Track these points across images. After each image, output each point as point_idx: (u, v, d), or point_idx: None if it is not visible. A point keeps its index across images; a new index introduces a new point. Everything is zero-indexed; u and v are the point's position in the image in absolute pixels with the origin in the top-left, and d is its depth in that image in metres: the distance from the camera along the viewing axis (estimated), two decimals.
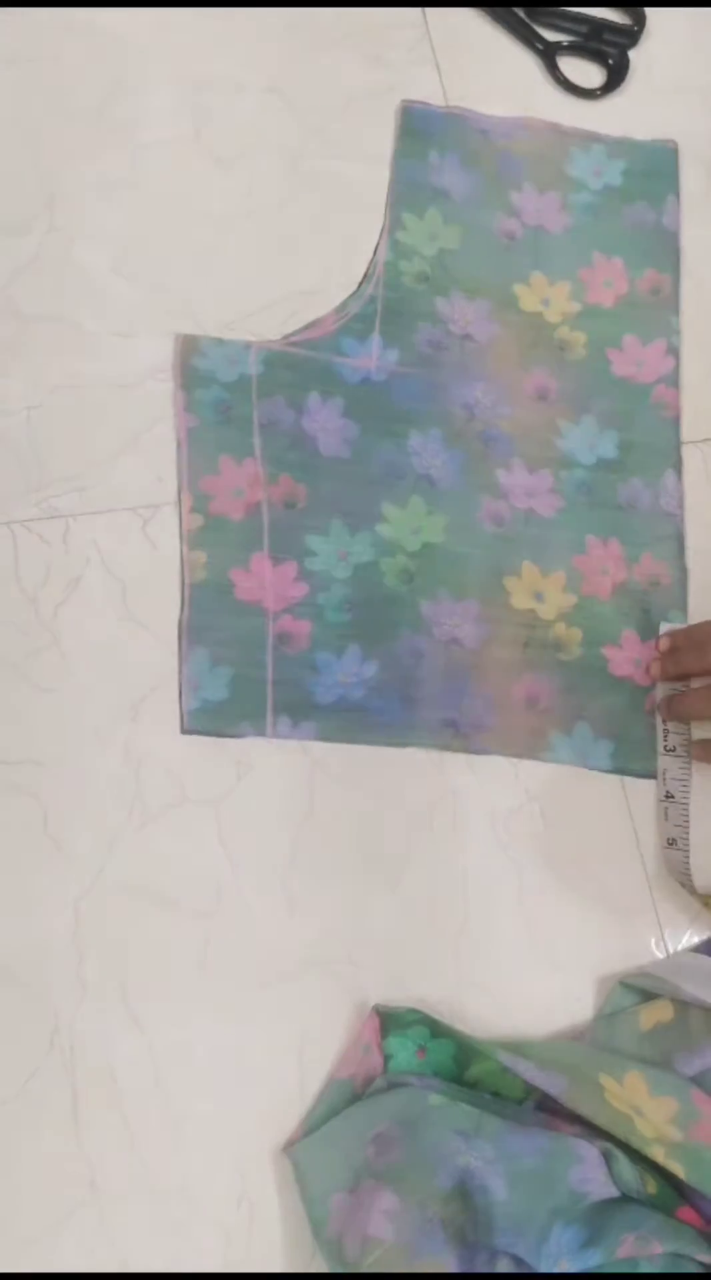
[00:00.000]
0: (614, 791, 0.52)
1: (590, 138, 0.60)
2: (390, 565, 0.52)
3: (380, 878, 0.49)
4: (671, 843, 0.50)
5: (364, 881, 0.49)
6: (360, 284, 0.56)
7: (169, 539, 0.50)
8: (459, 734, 0.51)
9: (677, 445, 0.57)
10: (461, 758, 0.51)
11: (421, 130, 0.58)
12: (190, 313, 0.53)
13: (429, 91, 0.59)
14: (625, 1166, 0.42)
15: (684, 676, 0.51)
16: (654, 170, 0.61)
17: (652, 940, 0.50)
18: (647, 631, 0.54)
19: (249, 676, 0.49)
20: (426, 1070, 0.45)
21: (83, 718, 0.48)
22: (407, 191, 0.57)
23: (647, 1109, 0.43)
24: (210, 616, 0.50)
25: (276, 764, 0.49)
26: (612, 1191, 0.41)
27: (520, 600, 0.53)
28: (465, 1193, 0.41)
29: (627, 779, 0.52)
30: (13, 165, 0.54)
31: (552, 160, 0.60)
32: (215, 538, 0.51)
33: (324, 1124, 0.44)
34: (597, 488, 0.55)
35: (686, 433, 0.57)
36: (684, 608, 0.55)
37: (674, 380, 0.58)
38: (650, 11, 0.63)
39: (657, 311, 0.59)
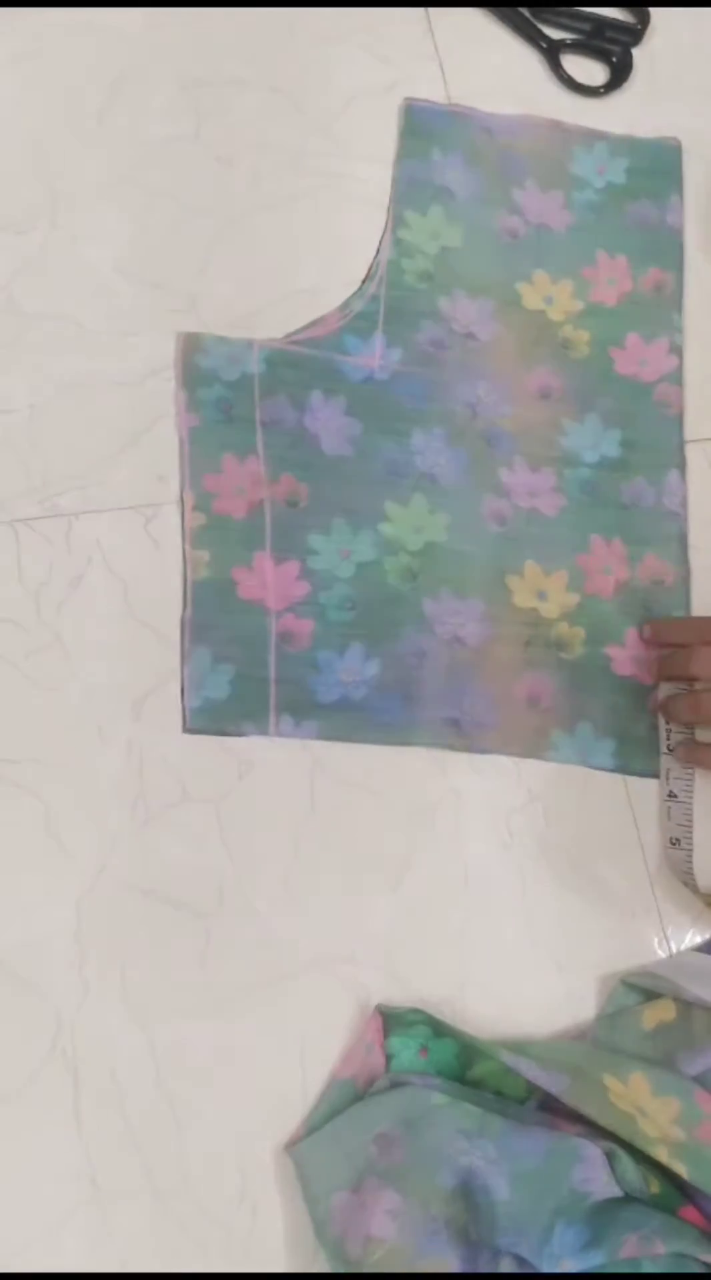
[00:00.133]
0: (616, 791, 0.52)
1: (593, 136, 0.60)
2: (392, 564, 0.52)
3: (382, 877, 0.49)
4: (674, 842, 0.50)
5: (366, 881, 0.49)
6: (363, 282, 0.55)
7: (171, 538, 0.50)
8: (461, 733, 0.51)
9: (681, 444, 0.57)
10: (463, 757, 0.51)
11: (424, 128, 0.58)
12: (192, 311, 0.53)
13: (432, 89, 0.59)
14: (628, 1166, 0.42)
15: (683, 678, 0.51)
16: (657, 168, 0.61)
17: (655, 940, 0.50)
18: None
19: (251, 675, 0.49)
20: (429, 1070, 0.45)
21: (84, 716, 0.48)
22: (410, 190, 0.57)
23: (650, 1109, 0.42)
24: (212, 615, 0.50)
25: (278, 763, 0.49)
26: (615, 1191, 0.41)
27: (523, 599, 0.53)
28: (468, 1192, 0.41)
29: (630, 778, 0.52)
30: (14, 163, 0.54)
31: (556, 158, 0.59)
32: (217, 536, 0.50)
33: (326, 1123, 0.44)
34: (601, 486, 0.55)
35: (689, 431, 0.57)
36: (687, 607, 0.55)
37: (677, 379, 0.58)
38: (654, 9, 0.63)
39: (661, 310, 0.59)
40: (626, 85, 0.62)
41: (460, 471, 0.54)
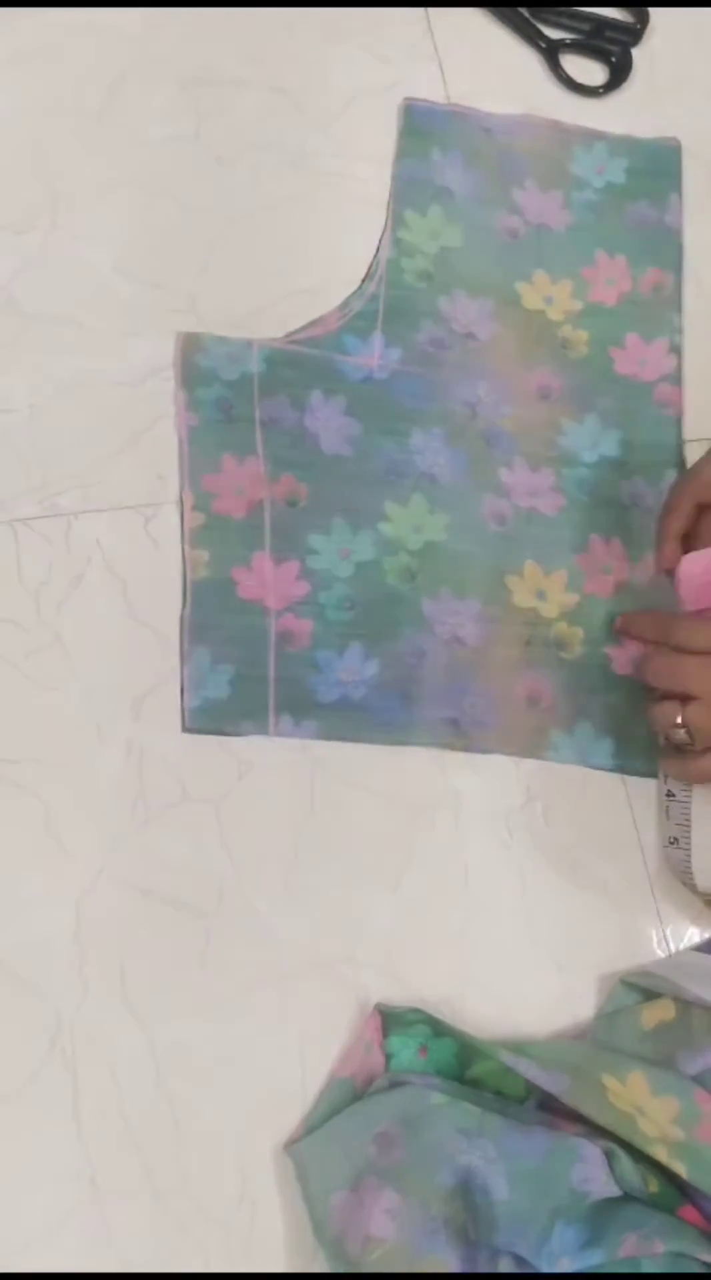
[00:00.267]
0: (615, 790, 0.52)
1: (593, 135, 0.60)
2: (392, 564, 0.52)
3: (381, 876, 0.49)
4: (673, 841, 0.50)
5: (365, 880, 0.49)
6: (362, 282, 0.55)
7: (171, 537, 0.50)
8: (460, 733, 0.51)
9: (680, 444, 0.57)
10: (463, 756, 0.51)
11: (424, 128, 0.58)
12: (192, 311, 0.53)
13: (431, 89, 0.59)
14: (627, 1166, 0.42)
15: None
16: (656, 168, 0.61)
17: (654, 939, 0.50)
18: None
19: (250, 675, 0.49)
20: (428, 1069, 0.45)
21: (84, 716, 0.48)
22: (410, 189, 0.57)
23: (650, 1108, 0.43)
24: (212, 615, 0.50)
25: (278, 763, 0.49)
26: (614, 1191, 0.41)
27: (522, 599, 0.53)
28: (467, 1192, 0.41)
29: (629, 778, 0.52)
30: (15, 163, 0.54)
31: (555, 158, 0.59)
32: (217, 536, 0.51)
33: (325, 1123, 0.44)
34: (600, 486, 0.55)
35: (688, 431, 0.57)
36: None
37: (676, 379, 0.58)
38: (653, 9, 0.63)
39: (660, 310, 0.59)
40: (625, 85, 0.62)
41: (460, 471, 0.54)
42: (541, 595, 0.53)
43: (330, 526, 0.52)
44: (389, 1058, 0.45)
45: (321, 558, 0.51)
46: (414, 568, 0.52)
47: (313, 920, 0.48)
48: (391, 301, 0.55)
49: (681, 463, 0.56)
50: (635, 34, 0.62)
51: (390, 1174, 0.41)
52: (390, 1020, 0.46)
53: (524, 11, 0.61)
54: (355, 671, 0.50)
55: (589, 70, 0.62)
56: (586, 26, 0.62)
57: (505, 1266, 0.39)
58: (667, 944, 0.50)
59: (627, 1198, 0.42)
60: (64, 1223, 0.43)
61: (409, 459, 0.54)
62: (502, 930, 0.49)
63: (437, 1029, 0.46)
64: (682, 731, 0.45)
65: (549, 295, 0.57)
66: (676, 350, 0.58)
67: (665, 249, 0.60)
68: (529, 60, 0.61)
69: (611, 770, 0.52)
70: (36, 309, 0.52)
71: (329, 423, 0.53)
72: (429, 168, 0.58)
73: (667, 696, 0.46)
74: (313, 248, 0.55)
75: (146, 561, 0.50)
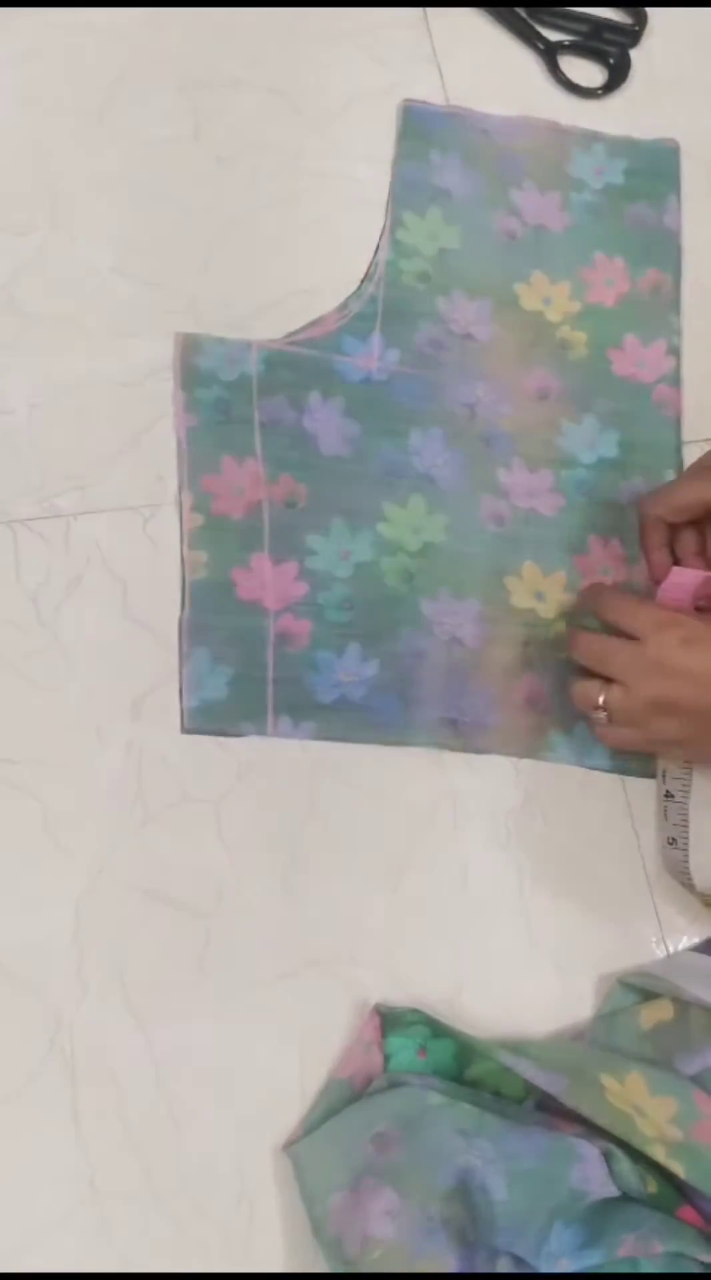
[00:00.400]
0: (614, 791, 0.52)
1: (591, 137, 0.60)
2: (391, 564, 0.52)
3: (380, 877, 0.49)
4: (671, 842, 0.50)
5: (364, 881, 0.49)
6: (361, 283, 0.56)
7: (169, 538, 0.50)
8: (459, 733, 0.51)
9: (678, 445, 0.57)
10: (462, 757, 0.51)
11: (422, 130, 0.58)
12: (191, 312, 0.53)
13: (430, 91, 0.59)
14: (625, 1166, 0.42)
15: None
16: (655, 169, 0.61)
17: (652, 939, 0.50)
18: None
19: (249, 676, 0.49)
20: (427, 1070, 0.45)
21: (83, 717, 0.48)
22: (408, 191, 0.57)
23: (648, 1108, 0.43)
24: (211, 616, 0.50)
25: (277, 763, 0.49)
26: (613, 1191, 0.41)
27: (521, 599, 0.53)
28: (465, 1192, 0.41)
29: (628, 778, 0.52)
30: (14, 164, 0.54)
31: (553, 159, 0.60)
32: (216, 537, 0.51)
33: (324, 1123, 0.44)
34: (598, 487, 0.55)
35: (687, 432, 0.57)
36: None
37: (675, 380, 0.58)
38: (651, 11, 0.63)
39: (658, 311, 0.59)
40: (624, 86, 0.62)
41: (458, 472, 0.54)
42: (540, 596, 0.53)
43: (329, 527, 0.52)
44: (387, 1058, 0.45)
45: (320, 558, 0.51)
46: (412, 568, 0.52)
47: (311, 920, 0.48)
48: (390, 302, 0.55)
49: (679, 464, 0.56)
50: (633, 35, 0.62)
51: (389, 1174, 0.41)
52: (389, 1021, 0.46)
53: (522, 13, 0.61)
54: (354, 672, 0.50)
55: (587, 72, 0.62)
56: (584, 28, 0.62)
57: (504, 1267, 0.39)
58: (666, 944, 0.50)
59: (626, 1198, 0.42)
60: (63, 1223, 0.43)
61: (407, 460, 0.54)
62: (501, 931, 0.49)
63: (436, 1029, 0.46)
64: (603, 714, 0.46)
65: (547, 296, 0.57)
66: (675, 351, 0.58)
67: (663, 250, 0.60)
68: (527, 62, 0.61)
69: (609, 771, 0.52)
70: (36, 309, 0.52)
71: (328, 424, 0.53)
72: (427, 169, 0.58)
73: (590, 674, 0.46)
74: (311, 249, 0.56)
75: (145, 562, 0.50)
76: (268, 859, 0.48)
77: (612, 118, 0.61)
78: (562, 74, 0.61)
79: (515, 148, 0.59)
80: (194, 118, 0.56)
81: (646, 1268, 0.39)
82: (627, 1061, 0.44)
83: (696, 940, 0.51)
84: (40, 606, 0.49)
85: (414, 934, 0.48)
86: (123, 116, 0.55)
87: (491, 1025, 0.48)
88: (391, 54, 0.59)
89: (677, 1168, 0.41)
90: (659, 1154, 0.42)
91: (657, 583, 0.49)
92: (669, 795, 0.50)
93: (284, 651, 0.50)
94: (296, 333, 0.54)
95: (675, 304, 0.59)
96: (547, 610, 0.53)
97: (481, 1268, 0.39)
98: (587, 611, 0.50)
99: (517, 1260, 0.40)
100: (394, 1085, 0.44)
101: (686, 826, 0.49)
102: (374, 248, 0.56)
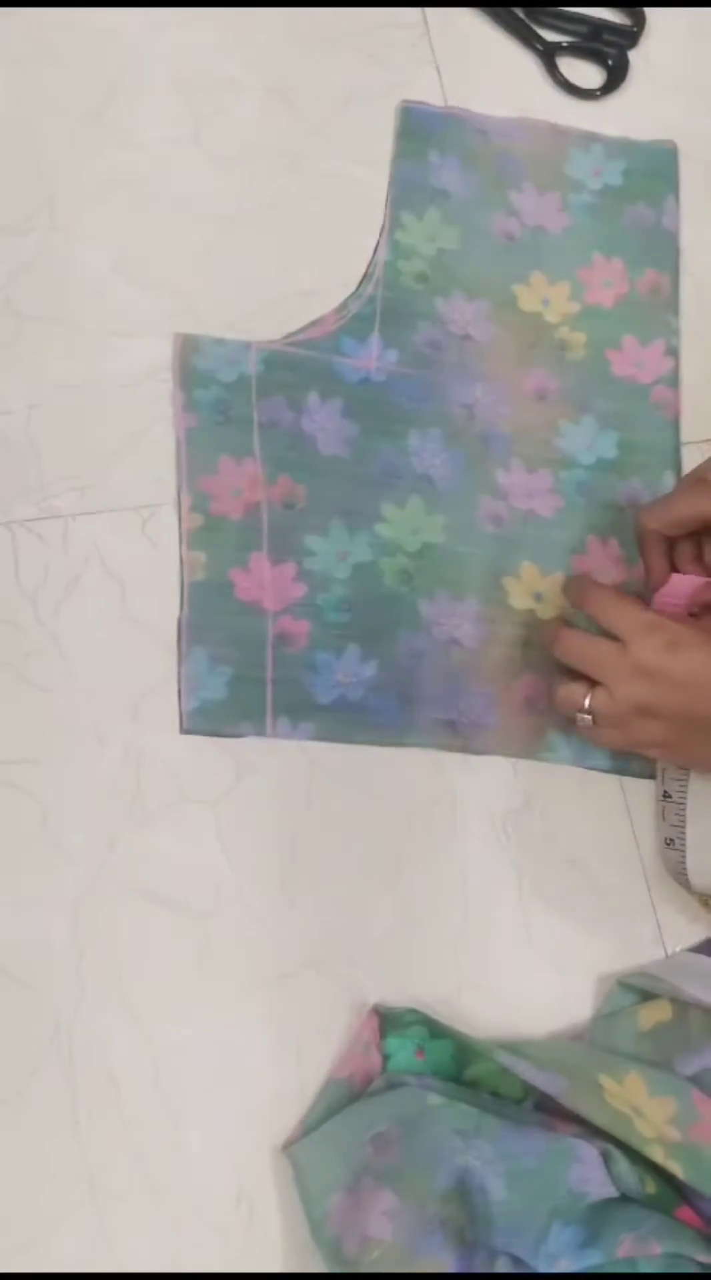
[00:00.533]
0: (613, 791, 0.52)
1: (589, 138, 0.60)
2: (389, 565, 0.52)
3: (379, 878, 0.49)
4: (669, 843, 0.50)
5: (363, 881, 0.49)
6: (360, 284, 0.56)
7: (168, 539, 0.50)
8: (458, 734, 0.51)
9: (677, 446, 0.57)
10: (460, 758, 0.51)
11: (421, 130, 0.58)
12: (190, 312, 0.53)
13: (428, 92, 0.59)
14: (624, 1167, 0.42)
15: None
16: (653, 170, 0.61)
17: (651, 940, 0.50)
18: None
19: (248, 676, 0.49)
20: (425, 1070, 0.45)
21: (82, 717, 0.48)
22: (407, 191, 0.57)
23: (647, 1109, 0.43)
24: (209, 616, 0.50)
25: (276, 764, 0.49)
26: (611, 1191, 0.42)
27: (519, 600, 0.53)
28: (464, 1192, 0.41)
29: (626, 779, 0.52)
30: (12, 165, 0.54)
31: (552, 160, 0.60)
32: (214, 537, 0.51)
33: (323, 1123, 0.44)
34: (597, 488, 0.55)
35: (685, 433, 0.57)
36: None
37: (673, 381, 0.58)
38: (650, 12, 0.63)
39: (657, 312, 0.59)
40: (622, 87, 0.62)
41: (457, 473, 0.54)
42: (538, 597, 0.53)
43: (327, 528, 0.52)
44: (386, 1058, 0.45)
45: (319, 559, 0.51)
46: (411, 569, 0.52)
47: (310, 921, 0.48)
48: (388, 303, 0.55)
49: (678, 464, 0.57)
50: (632, 36, 0.62)
51: (388, 1175, 0.41)
52: (387, 1021, 0.46)
53: (521, 14, 0.61)
54: (353, 673, 0.50)
55: (586, 73, 0.62)
56: (583, 29, 0.62)
57: (502, 1267, 0.39)
58: (664, 945, 0.50)
59: (625, 1199, 0.42)
60: (62, 1223, 0.43)
61: (406, 461, 0.54)
62: (500, 931, 0.49)
63: (435, 1030, 0.46)
64: (588, 718, 0.46)
65: (546, 297, 0.57)
66: (673, 352, 0.58)
67: (662, 251, 0.60)
68: (526, 63, 0.61)
69: (608, 771, 0.52)
70: (34, 310, 0.52)
71: (326, 424, 0.53)
72: (426, 170, 0.58)
73: (575, 675, 0.46)
74: (310, 250, 0.56)
75: (144, 563, 0.50)
76: (266, 859, 0.48)
77: (611, 119, 0.61)
78: (561, 75, 0.61)
79: (513, 149, 0.59)
80: (192, 118, 0.56)
81: (645, 1268, 0.39)
82: (626, 1062, 0.44)
83: (695, 941, 0.51)
84: (39, 607, 0.49)
85: (412, 934, 0.48)
86: (121, 116, 0.55)
87: (490, 1025, 0.48)
88: (390, 54, 0.59)
89: (676, 1168, 0.41)
90: (657, 1155, 0.42)
91: (656, 590, 0.49)
92: (666, 796, 0.50)
93: (282, 652, 0.50)
94: (295, 333, 0.54)
95: (673, 305, 0.59)
96: (546, 611, 0.53)
97: (480, 1268, 0.39)
98: (575, 605, 0.50)
99: (516, 1260, 0.40)
100: (393, 1086, 0.44)
101: (684, 827, 0.49)
102: (372, 248, 0.56)
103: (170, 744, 0.48)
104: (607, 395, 0.57)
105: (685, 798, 0.49)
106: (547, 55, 0.61)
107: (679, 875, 0.49)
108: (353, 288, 0.55)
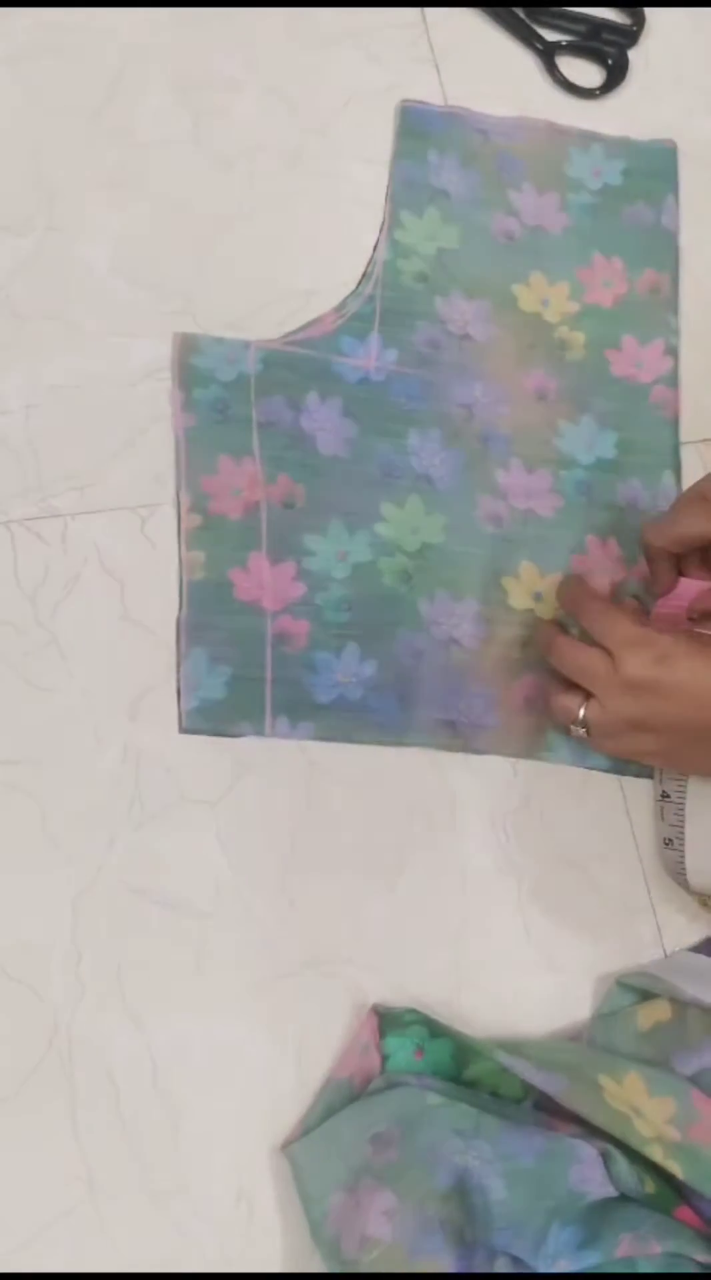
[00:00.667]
0: (612, 792, 0.52)
1: (589, 137, 0.60)
2: (388, 565, 0.52)
3: (378, 877, 0.49)
4: (668, 843, 0.50)
5: (362, 881, 0.49)
6: (359, 283, 0.55)
7: (167, 538, 0.50)
8: (457, 734, 0.51)
9: (676, 445, 0.57)
10: (460, 758, 0.51)
11: (420, 130, 0.58)
12: (189, 311, 0.53)
13: (428, 91, 0.59)
14: (623, 1166, 0.42)
15: None
16: (653, 170, 0.61)
17: (651, 940, 0.50)
18: None
19: (247, 676, 0.49)
20: (425, 1070, 0.45)
21: (81, 717, 0.48)
22: (406, 191, 0.57)
23: (646, 1109, 0.43)
24: (209, 616, 0.50)
25: (275, 764, 0.49)
26: (611, 1191, 0.42)
27: (519, 600, 0.53)
28: (463, 1192, 0.41)
29: (626, 779, 0.52)
30: (12, 164, 0.54)
31: (551, 160, 0.60)
32: (214, 537, 0.51)
33: (322, 1123, 0.44)
34: (596, 488, 0.55)
35: (685, 433, 0.57)
36: None
37: (672, 380, 0.58)
38: (649, 11, 0.63)
39: (656, 312, 0.59)
40: (622, 87, 0.62)
41: (456, 472, 0.54)
42: (538, 597, 0.53)
43: (327, 528, 0.52)
44: (385, 1058, 0.45)
45: (318, 559, 0.51)
46: (410, 569, 0.52)
47: (309, 921, 0.48)
48: (388, 303, 0.55)
49: (677, 465, 0.56)
50: (631, 36, 0.62)
51: (387, 1174, 0.42)
52: (387, 1021, 0.46)
53: (520, 13, 0.61)
54: (352, 672, 0.50)
55: (585, 72, 0.62)
56: (583, 28, 0.62)
57: (502, 1267, 0.39)
58: (664, 945, 0.50)
59: (624, 1198, 0.42)
60: (61, 1223, 0.43)
61: (405, 460, 0.54)
62: (499, 931, 0.49)
63: (434, 1030, 0.46)
64: (582, 730, 0.46)
65: (545, 297, 0.57)
66: (672, 352, 0.58)
67: (661, 251, 0.60)
68: (525, 62, 0.61)
69: (608, 771, 0.52)
70: (33, 310, 0.52)
71: (325, 424, 0.53)
72: (425, 169, 0.58)
73: (570, 683, 0.47)
74: (309, 249, 0.56)
75: (143, 562, 0.50)
76: (265, 859, 0.48)
77: (610, 118, 0.61)
78: (560, 74, 0.61)
79: (513, 148, 0.59)
80: (191, 118, 0.56)
81: (644, 1268, 0.39)
82: (626, 1062, 0.44)
83: (694, 940, 0.51)
84: (38, 606, 0.49)
85: (412, 934, 0.48)
86: (120, 116, 0.55)
87: (489, 1025, 0.48)
88: (389, 54, 0.59)
89: (675, 1168, 0.41)
90: (656, 1154, 0.42)
91: (663, 595, 0.49)
92: (665, 796, 0.50)
93: (282, 652, 0.50)
94: (294, 333, 0.54)
95: (673, 304, 0.59)
96: (546, 611, 0.53)
97: (479, 1268, 0.39)
98: (567, 612, 0.50)
99: (515, 1260, 0.40)
100: (392, 1085, 0.44)
101: (682, 827, 0.49)
102: (372, 248, 0.56)
103: (169, 744, 0.48)
104: (607, 395, 0.57)
105: (683, 798, 0.49)
106: (547, 54, 0.61)
107: (677, 875, 0.49)
108: (352, 287, 0.55)
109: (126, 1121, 0.44)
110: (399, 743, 0.50)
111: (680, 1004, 0.46)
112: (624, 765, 0.52)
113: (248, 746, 0.49)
